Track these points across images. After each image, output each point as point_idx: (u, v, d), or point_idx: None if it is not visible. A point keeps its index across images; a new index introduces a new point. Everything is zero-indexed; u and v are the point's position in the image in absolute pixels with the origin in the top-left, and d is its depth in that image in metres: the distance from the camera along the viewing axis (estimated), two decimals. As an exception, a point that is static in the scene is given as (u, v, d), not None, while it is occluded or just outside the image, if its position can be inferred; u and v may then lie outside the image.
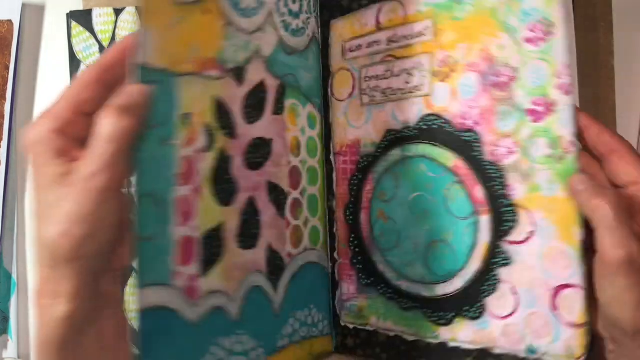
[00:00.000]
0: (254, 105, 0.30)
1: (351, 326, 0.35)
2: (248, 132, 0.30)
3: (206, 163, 0.27)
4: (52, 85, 0.47)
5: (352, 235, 0.35)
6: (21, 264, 0.46)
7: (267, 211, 0.31)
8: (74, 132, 0.27)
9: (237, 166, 0.29)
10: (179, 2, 0.26)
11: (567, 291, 0.27)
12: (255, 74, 0.30)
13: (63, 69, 0.46)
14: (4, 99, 0.45)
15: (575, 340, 0.27)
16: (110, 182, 0.25)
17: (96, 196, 0.25)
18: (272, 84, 0.31)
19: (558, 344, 0.27)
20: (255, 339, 0.29)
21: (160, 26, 0.25)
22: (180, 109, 0.26)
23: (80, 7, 0.46)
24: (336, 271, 0.36)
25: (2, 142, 0.45)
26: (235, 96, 0.29)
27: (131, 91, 0.26)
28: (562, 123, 0.29)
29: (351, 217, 0.35)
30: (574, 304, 0.27)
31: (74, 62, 0.45)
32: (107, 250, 0.26)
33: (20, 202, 0.46)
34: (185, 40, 0.26)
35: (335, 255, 0.36)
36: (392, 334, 0.33)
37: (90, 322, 0.26)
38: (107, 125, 0.25)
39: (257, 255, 0.30)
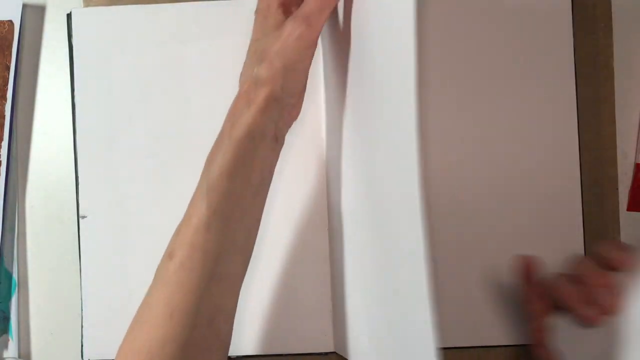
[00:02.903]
0: None
1: None
2: None
3: None
4: (52, 85, 0.47)
5: None
6: (22, 263, 0.46)
7: None
8: None
9: None
10: None
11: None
12: None
13: (64, 69, 0.46)
14: (5, 99, 0.45)
15: None
16: (310, 40, 0.34)
17: (298, 49, 0.34)
18: None
19: None
20: None
21: None
22: None
23: (81, 7, 0.46)
24: None
25: (3, 142, 0.45)
26: None
27: None
28: None
29: None
30: None
31: (74, 62, 0.45)
32: (292, 89, 0.35)
33: (21, 202, 0.46)
34: None
35: None
36: None
37: (263, 137, 0.34)
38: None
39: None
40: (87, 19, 0.46)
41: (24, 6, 0.46)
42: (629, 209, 0.44)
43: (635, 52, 0.45)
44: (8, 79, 0.45)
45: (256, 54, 0.36)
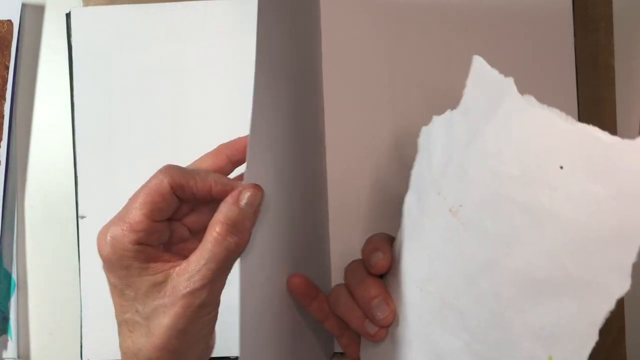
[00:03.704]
0: None
1: None
2: None
3: None
4: (52, 85, 0.47)
5: None
6: (21, 264, 0.46)
7: None
8: (156, 239, 0.27)
9: None
10: None
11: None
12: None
13: (63, 69, 0.46)
14: (4, 99, 0.45)
15: None
16: (210, 297, 0.25)
17: (196, 312, 0.25)
18: None
19: None
20: None
21: None
22: None
23: (80, 7, 0.46)
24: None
25: (2, 142, 0.45)
26: None
27: (249, 202, 0.26)
28: None
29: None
30: None
31: (73, 62, 0.45)
32: (202, 357, 0.27)
33: (20, 202, 0.46)
34: None
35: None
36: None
37: None
38: (213, 244, 0.25)
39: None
40: (86, 19, 0.45)
41: (23, 6, 0.46)
42: (629, 209, 0.44)
43: (635, 52, 0.45)
44: (7, 78, 0.45)
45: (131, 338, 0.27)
